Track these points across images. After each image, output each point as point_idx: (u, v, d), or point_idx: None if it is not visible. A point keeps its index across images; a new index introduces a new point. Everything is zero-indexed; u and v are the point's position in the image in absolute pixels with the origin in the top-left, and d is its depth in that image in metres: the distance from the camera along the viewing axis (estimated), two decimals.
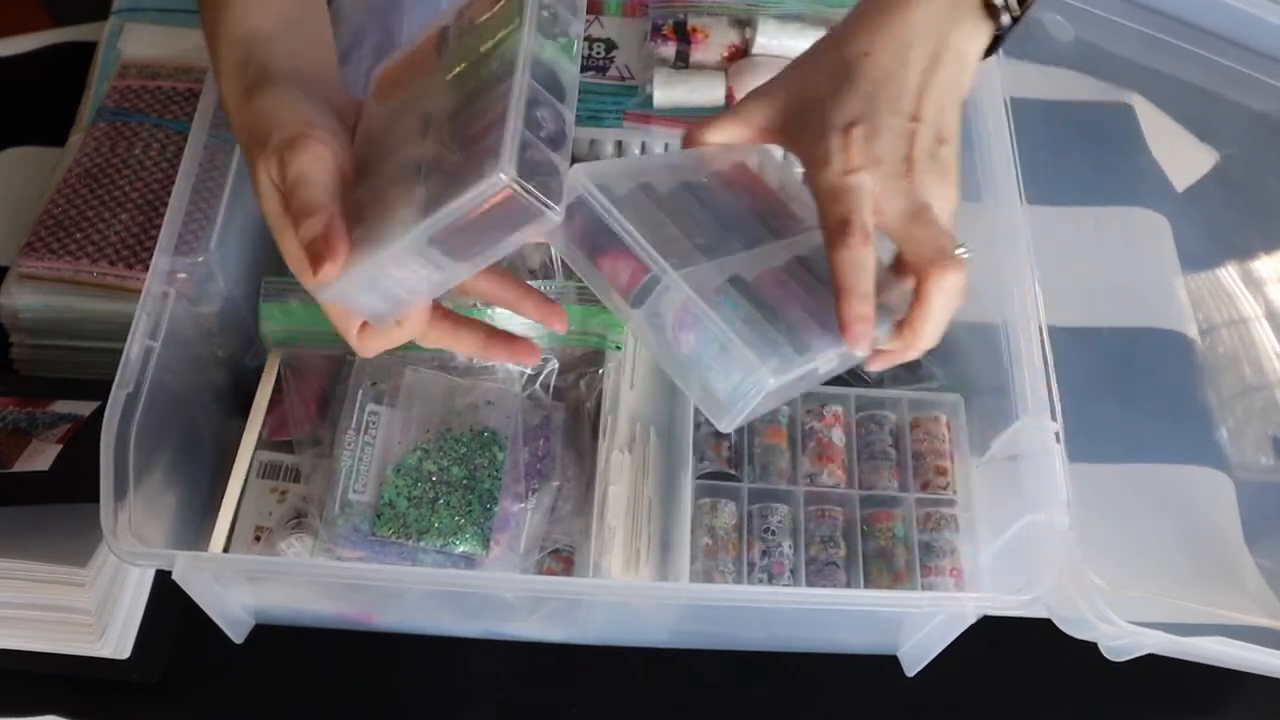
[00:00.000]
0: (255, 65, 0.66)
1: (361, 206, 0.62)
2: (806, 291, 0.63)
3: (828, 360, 0.60)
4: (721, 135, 0.66)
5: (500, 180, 0.55)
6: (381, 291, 0.61)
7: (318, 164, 0.62)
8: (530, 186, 0.56)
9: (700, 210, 0.64)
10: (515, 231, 0.58)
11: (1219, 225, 1.02)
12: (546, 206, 0.56)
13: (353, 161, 0.63)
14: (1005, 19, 0.63)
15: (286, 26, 0.69)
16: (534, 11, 0.62)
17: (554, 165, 0.59)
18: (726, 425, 0.59)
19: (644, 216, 0.61)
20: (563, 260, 0.78)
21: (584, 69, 0.92)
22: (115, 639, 0.75)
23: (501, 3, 0.63)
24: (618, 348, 0.81)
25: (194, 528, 0.77)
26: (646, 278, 0.58)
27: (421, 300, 0.63)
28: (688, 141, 0.66)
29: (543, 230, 0.58)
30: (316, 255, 0.59)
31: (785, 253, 0.64)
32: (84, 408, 0.79)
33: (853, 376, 0.87)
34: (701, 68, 0.91)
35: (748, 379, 0.57)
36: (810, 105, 0.62)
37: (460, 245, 0.59)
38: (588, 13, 0.95)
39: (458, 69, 0.64)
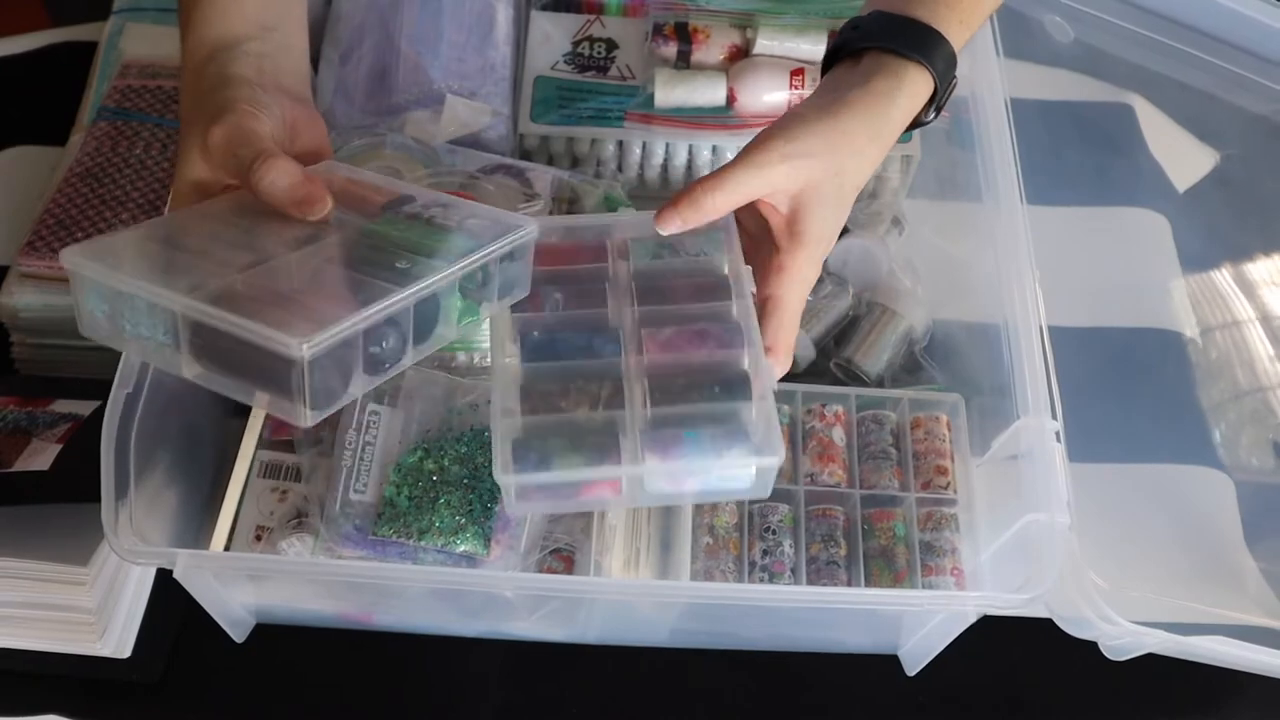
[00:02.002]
0: (216, 67, 0.66)
1: (198, 237, 0.61)
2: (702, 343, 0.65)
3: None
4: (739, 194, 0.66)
5: (293, 349, 0.53)
6: (114, 311, 0.60)
7: (256, 123, 0.63)
8: (309, 379, 0.55)
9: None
10: (263, 393, 0.57)
11: (1219, 226, 1.02)
12: (303, 405, 0.56)
13: None
14: (930, 116, 0.71)
15: (259, 31, 0.69)
16: (473, 265, 0.62)
17: (346, 380, 0.58)
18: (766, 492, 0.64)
19: None
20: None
21: (585, 69, 0.93)
22: (116, 638, 0.75)
23: (462, 235, 0.64)
24: None
25: (195, 527, 0.77)
26: (624, 481, 0.62)
27: (136, 353, 0.64)
28: (693, 212, 0.66)
29: (287, 416, 0.58)
30: (309, 194, 0.61)
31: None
32: (84, 407, 0.79)
33: (853, 377, 0.87)
34: (702, 68, 0.91)
35: (760, 474, 0.62)
36: (802, 209, 0.66)
37: (210, 352, 0.58)
38: (590, 13, 0.96)
39: (381, 229, 0.64)
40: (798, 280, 0.66)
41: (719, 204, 0.65)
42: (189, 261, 0.59)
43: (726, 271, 0.67)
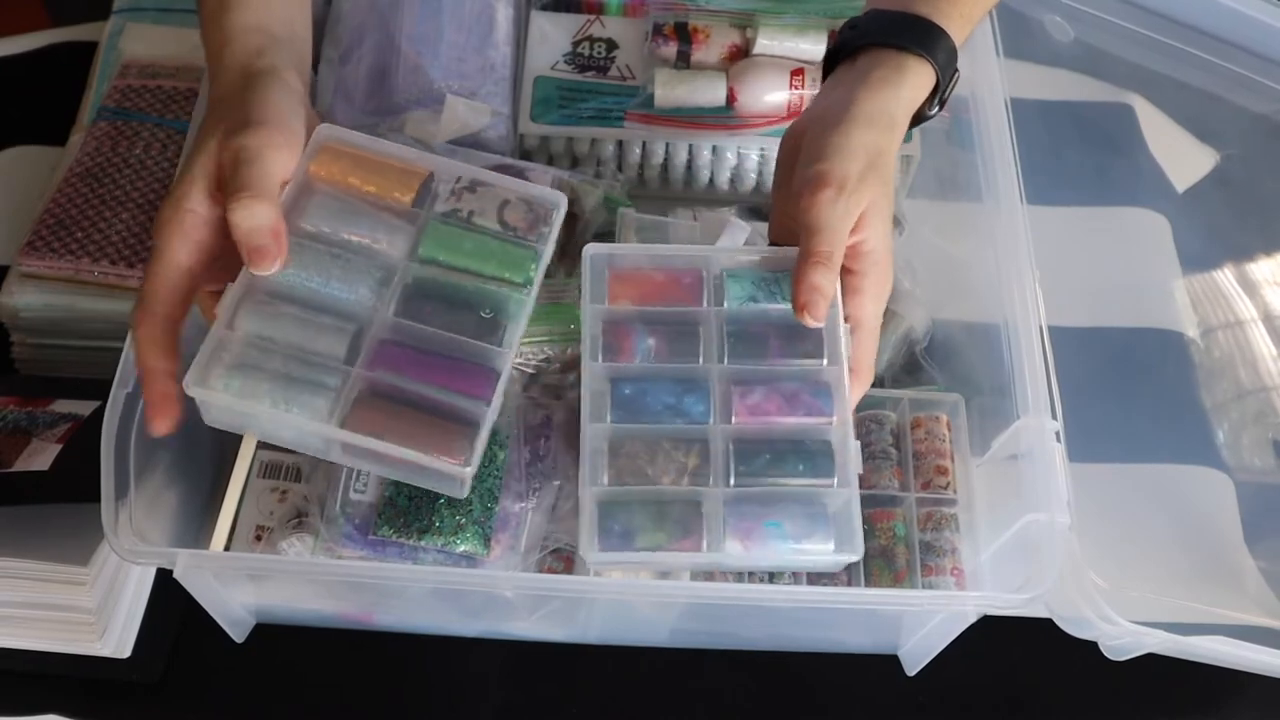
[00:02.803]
0: (269, 59, 0.67)
1: (279, 301, 0.63)
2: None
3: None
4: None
5: (461, 471, 0.61)
6: (258, 425, 0.65)
7: (273, 151, 0.63)
8: (471, 475, 0.63)
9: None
10: (421, 478, 0.65)
11: (1219, 226, 1.02)
12: (467, 485, 0.64)
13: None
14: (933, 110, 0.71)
15: (289, 35, 0.70)
16: (537, 285, 0.66)
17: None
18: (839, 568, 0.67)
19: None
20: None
21: (585, 69, 0.93)
22: (116, 638, 0.75)
23: (509, 238, 0.67)
24: None
25: (195, 527, 0.77)
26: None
27: (280, 441, 0.66)
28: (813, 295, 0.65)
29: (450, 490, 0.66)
30: (261, 247, 0.61)
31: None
32: (84, 407, 0.79)
33: None
34: (702, 68, 0.91)
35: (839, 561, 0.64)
36: (864, 229, 0.66)
37: (366, 458, 0.64)
38: (590, 13, 0.96)
39: (436, 254, 0.66)
40: (872, 297, 0.67)
41: (835, 279, 0.65)
42: (295, 365, 0.62)
43: (821, 325, 0.66)
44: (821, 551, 0.62)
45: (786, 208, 0.67)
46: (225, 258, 0.63)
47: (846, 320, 0.66)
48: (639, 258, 0.69)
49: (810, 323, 0.64)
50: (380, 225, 0.67)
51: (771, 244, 0.70)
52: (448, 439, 0.62)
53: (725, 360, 0.66)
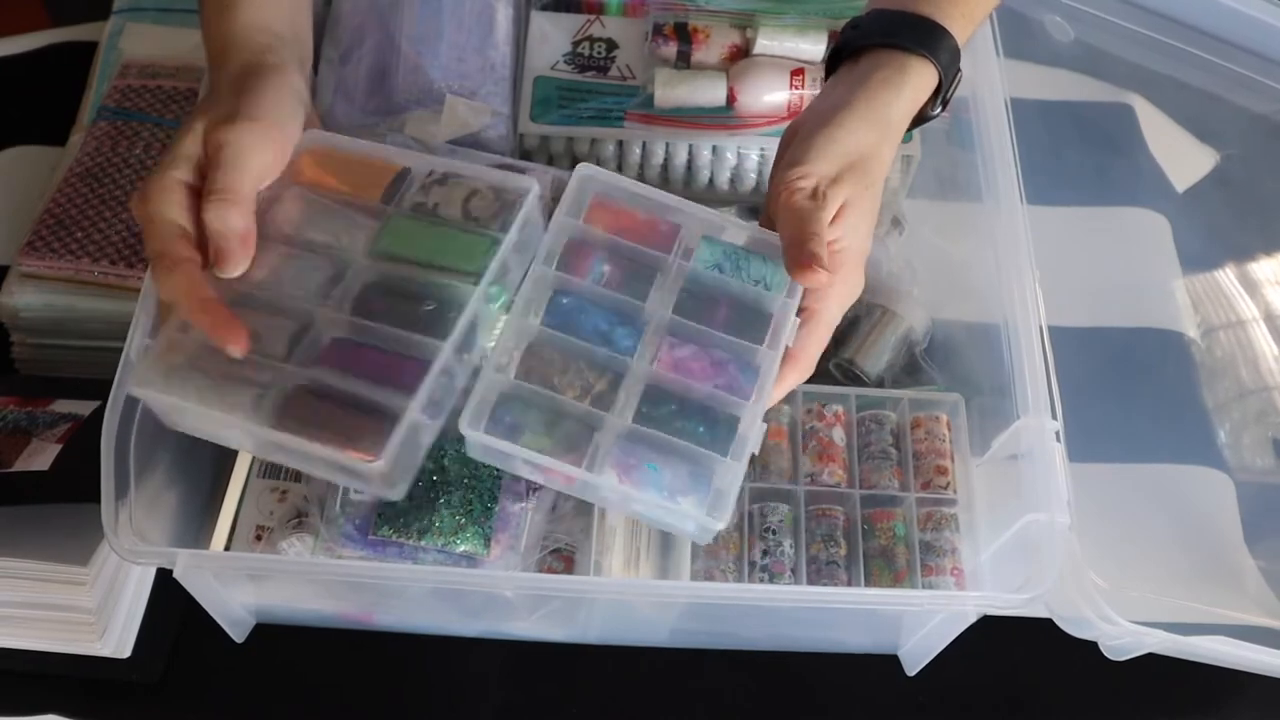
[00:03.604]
0: (275, 58, 0.67)
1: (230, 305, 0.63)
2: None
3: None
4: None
5: (373, 466, 0.58)
6: (205, 426, 0.64)
7: (254, 151, 0.63)
8: (392, 471, 0.60)
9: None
10: (354, 480, 0.63)
11: (1219, 226, 1.02)
12: (392, 488, 0.62)
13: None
14: (936, 109, 0.71)
15: (293, 34, 0.70)
16: (494, 271, 0.64)
17: (420, 441, 0.63)
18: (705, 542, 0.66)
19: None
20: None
21: (585, 69, 0.93)
22: (116, 638, 0.75)
23: (470, 229, 0.65)
24: None
25: (195, 527, 0.77)
26: (578, 480, 0.63)
27: (223, 443, 0.66)
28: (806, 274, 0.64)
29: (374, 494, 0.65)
30: (228, 251, 0.61)
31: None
32: (84, 407, 0.79)
33: (852, 377, 0.87)
34: (702, 68, 0.91)
35: (701, 527, 0.63)
36: (838, 226, 0.66)
37: (296, 457, 0.62)
38: (590, 13, 0.96)
39: (392, 247, 0.65)
40: (836, 295, 0.66)
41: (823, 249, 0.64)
42: (236, 365, 0.61)
43: (774, 313, 0.66)
44: (691, 512, 0.62)
45: (770, 204, 0.67)
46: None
47: (804, 310, 0.66)
48: (628, 192, 0.69)
49: (815, 277, 0.62)
50: (344, 224, 0.66)
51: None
52: (360, 433, 0.59)
53: (670, 310, 0.66)
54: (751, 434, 0.64)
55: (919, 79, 0.68)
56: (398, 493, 0.62)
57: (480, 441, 0.62)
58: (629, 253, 0.67)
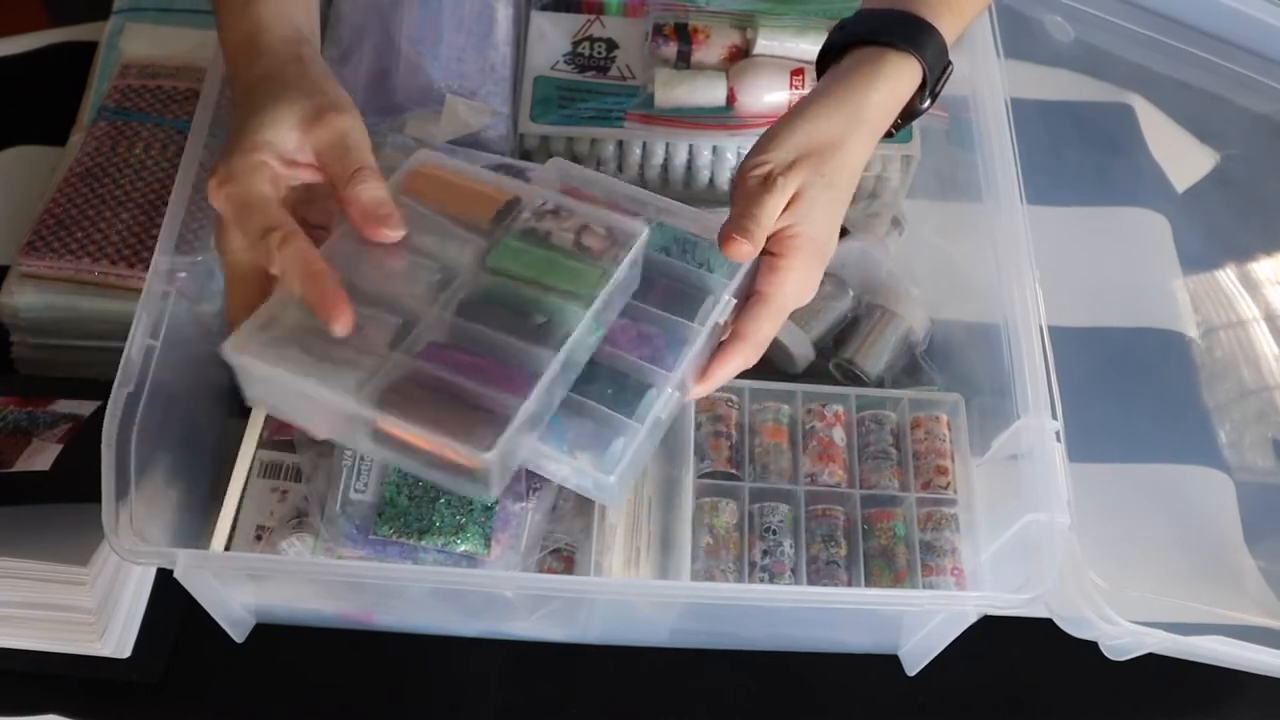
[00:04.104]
0: (310, 48, 0.68)
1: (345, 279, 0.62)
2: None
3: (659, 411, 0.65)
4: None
5: (481, 458, 0.58)
6: (292, 404, 0.63)
7: (361, 134, 0.64)
8: (496, 471, 0.59)
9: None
10: (448, 476, 0.61)
11: (1219, 226, 1.02)
12: (495, 488, 0.61)
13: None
14: (925, 104, 0.71)
15: (311, 29, 0.71)
16: (604, 299, 0.64)
17: (521, 449, 0.63)
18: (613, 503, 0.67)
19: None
20: None
21: (585, 69, 0.93)
22: (116, 638, 0.75)
23: (582, 259, 0.66)
24: None
25: (195, 527, 0.77)
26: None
27: (309, 429, 0.65)
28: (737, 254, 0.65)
29: (477, 494, 0.63)
30: (388, 215, 0.62)
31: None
32: (85, 407, 0.79)
33: (852, 378, 0.87)
34: (702, 68, 0.91)
35: (601, 486, 0.63)
36: (794, 215, 0.66)
37: (392, 445, 0.61)
38: (590, 13, 0.96)
39: (504, 263, 0.66)
40: (789, 281, 0.66)
41: (761, 241, 0.65)
42: (337, 347, 0.61)
43: (711, 297, 0.67)
44: (585, 467, 0.62)
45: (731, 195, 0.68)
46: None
47: (755, 294, 0.66)
48: (586, 179, 0.71)
49: (737, 248, 0.64)
50: (455, 237, 0.66)
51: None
52: (471, 426, 0.59)
53: None
54: (660, 402, 0.64)
55: (898, 72, 0.68)
56: (494, 492, 0.62)
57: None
58: None
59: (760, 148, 0.67)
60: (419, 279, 0.65)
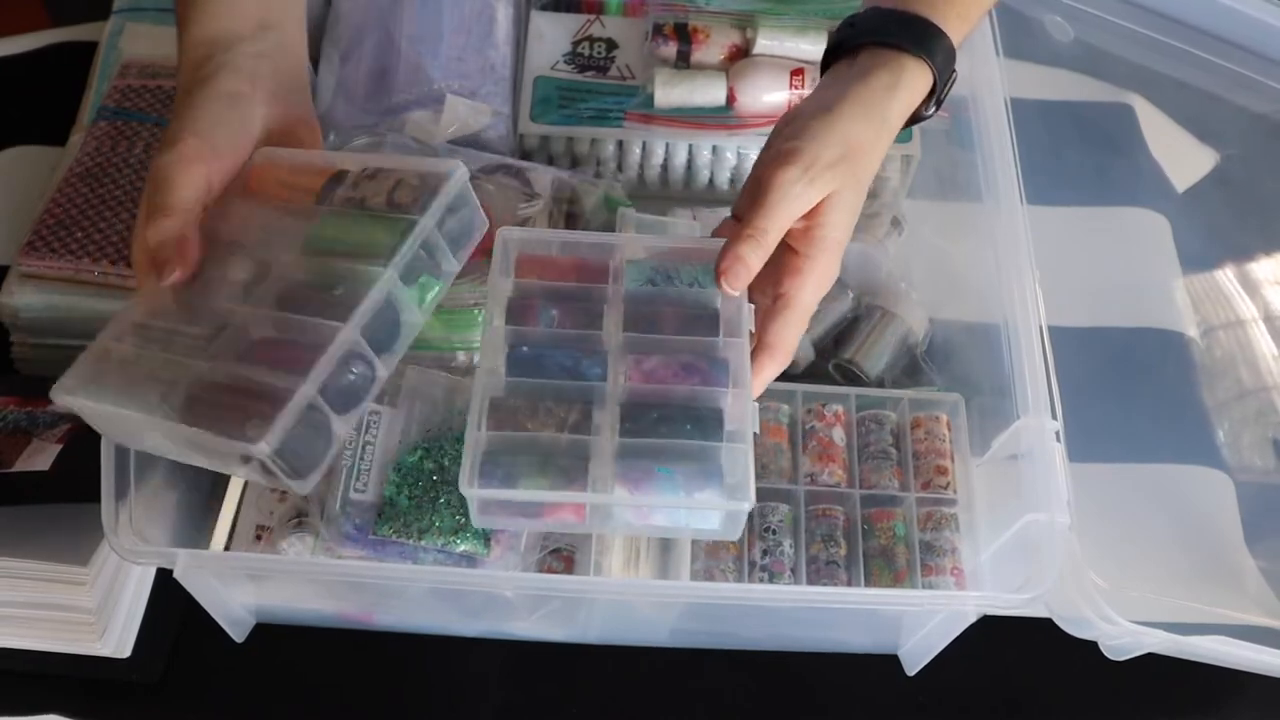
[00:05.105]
0: (210, 68, 0.67)
1: (164, 314, 0.63)
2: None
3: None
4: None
5: (256, 449, 0.56)
6: (131, 434, 0.64)
7: (184, 169, 0.64)
8: (280, 463, 0.57)
9: None
10: (257, 475, 0.59)
11: (1219, 226, 1.02)
12: (291, 480, 0.58)
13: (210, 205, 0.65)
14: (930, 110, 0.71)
15: (256, 30, 0.69)
16: (408, 253, 0.62)
17: (328, 435, 0.60)
18: (735, 535, 0.64)
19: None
20: None
21: (585, 69, 0.93)
22: (116, 638, 0.75)
23: (393, 216, 0.63)
24: None
25: (195, 527, 0.77)
26: (589, 508, 0.62)
27: (157, 452, 0.65)
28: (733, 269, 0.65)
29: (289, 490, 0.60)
30: (165, 259, 0.62)
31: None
32: None
33: (852, 378, 0.87)
34: (702, 68, 0.91)
35: (729, 516, 0.62)
36: (822, 216, 0.65)
37: (201, 452, 0.60)
38: (590, 13, 0.96)
39: (320, 242, 0.64)
40: (812, 283, 0.65)
41: (763, 256, 0.64)
42: (158, 359, 0.61)
43: (719, 306, 0.66)
44: (714, 501, 0.61)
45: (750, 178, 0.67)
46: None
47: (780, 298, 0.65)
48: (549, 244, 0.70)
49: (726, 290, 0.64)
50: (279, 227, 0.65)
51: (733, 215, 0.68)
52: (248, 417, 0.56)
53: (623, 330, 0.66)
54: (743, 416, 0.63)
55: (914, 79, 0.68)
56: (304, 486, 0.59)
57: (480, 497, 0.61)
58: (569, 292, 0.67)
59: (796, 134, 0.65)
60: (235, 279, 0.64)
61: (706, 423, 0.63)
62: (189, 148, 0.64)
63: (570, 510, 0.62)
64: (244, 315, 0.62)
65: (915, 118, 0.70)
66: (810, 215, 0.65)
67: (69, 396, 0.61)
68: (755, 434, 0.63)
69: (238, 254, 0.65)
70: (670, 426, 0.62)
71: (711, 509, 0.62)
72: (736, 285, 0.64)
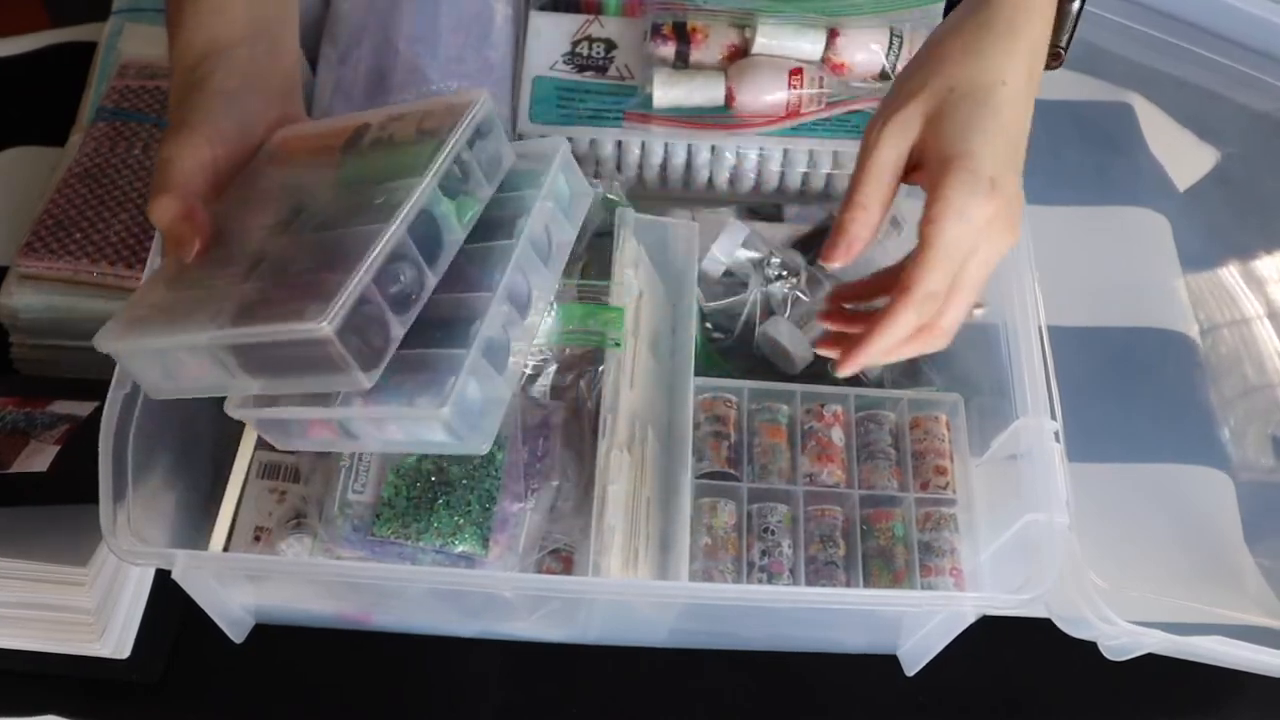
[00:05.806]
0: (199, 76, 0.67)
1: (196, 268, 0.63)
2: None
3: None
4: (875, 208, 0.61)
5: (318, 329, 0.55)
6: (165, 369, 0.63)
7: (188, 150, 0.64)
8: (346, 347, 0.56)
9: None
10: (318, 376, 0.58)
11: (1219, 225, 1.01)
12: (356, 369, 0.57)
13: (221, 190, 0.66)
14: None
15: (249, 32, 0.69)
16: (444, 164, 0.62)
17: (385, 328, 0.59)
18: (479, 447, 0.63)
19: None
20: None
21: (584, 69, 0.93)
22: (115, 639, 0.75)
23: (423, 140, 0.63)
24: (617, 345, 0.80)
25: (194, 528, 0.77)
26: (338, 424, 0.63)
27: (206, 392, 0.64)
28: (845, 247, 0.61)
29: (351, 385, 0.59)
30: (179, 236, 0.63)
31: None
32: (83, 408, 0.79)
33: (851, 378, 0.87)
34: (701, 68, 0.91)
35: (445, 427, 0.60)
36: (939, 130, 0.60)
37: (257, 364, 0.59)
38: (589, 13, 0.96)
39: (352, 175, 0.64)
40: (949, 214, 0.57)
41: (871, 219, 0.60)
42: (199, 295, 0.61)
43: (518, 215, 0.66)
44: (425, 411, 0.59)
45: (921, 146, 0.60)
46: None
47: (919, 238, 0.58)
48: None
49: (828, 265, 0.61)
50: (310, 173, 0.66)
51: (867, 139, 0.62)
52: (309, 306, 0.56)
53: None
54: (486, 320, 0.61)
55: (1045, 6, 0.63)
56: (369, 380, 0.58)
57: (242, 414, 0.63)
58: None
59: (894, 87, 0.61)
60: (274, 214, 0.64)
61: (457, 330, 0.62)
62: (190, 130, 0.65)
63: (326, 428, 0.63)
64: (283, 245, 0.62)
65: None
66: (927, 135, 0.59)
67: (115, 342, 0.61)
68: (495, 341, 0.61)
69: (270, 203, 0.65)
70: (420, 337, 0.61)
71: (430, 419, 0.60)
72: (832, 261, 0.60)
